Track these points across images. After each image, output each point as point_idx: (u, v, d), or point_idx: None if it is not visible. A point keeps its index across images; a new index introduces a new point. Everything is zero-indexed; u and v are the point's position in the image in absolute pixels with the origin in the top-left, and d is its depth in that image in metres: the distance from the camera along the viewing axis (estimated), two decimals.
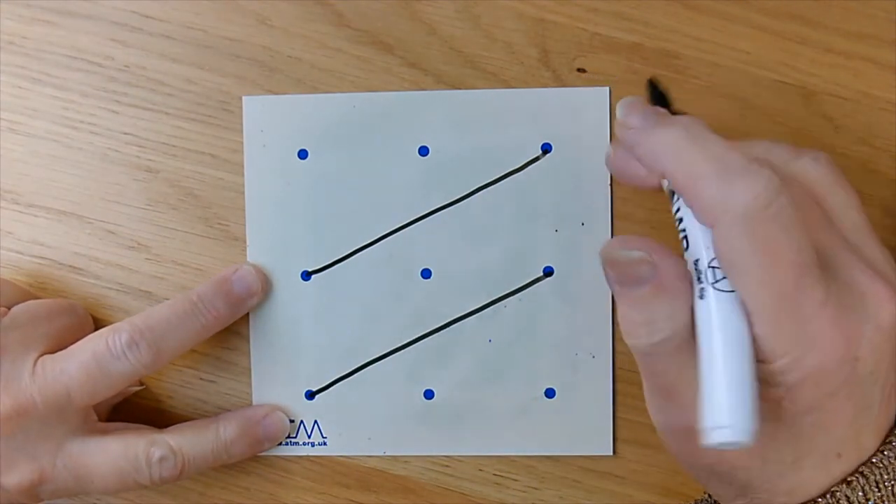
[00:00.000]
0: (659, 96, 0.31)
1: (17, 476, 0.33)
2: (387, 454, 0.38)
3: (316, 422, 0.37)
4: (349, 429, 0.38)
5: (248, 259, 0.37)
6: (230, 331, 0.37)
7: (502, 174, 0.37)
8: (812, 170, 0.29)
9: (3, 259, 0.38)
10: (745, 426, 0.25)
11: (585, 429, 0.37)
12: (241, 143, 0.37)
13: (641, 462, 0.37)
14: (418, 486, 0.38)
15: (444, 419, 0.37)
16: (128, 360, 0.33)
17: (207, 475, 0.38)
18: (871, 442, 0.28)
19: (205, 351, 0.38)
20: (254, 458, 0.38)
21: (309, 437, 0.37)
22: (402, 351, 0.37)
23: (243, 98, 0.37)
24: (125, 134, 0.37)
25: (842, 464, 0.28)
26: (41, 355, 0.34)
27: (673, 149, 0.27)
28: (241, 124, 0.37)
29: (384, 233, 0.37)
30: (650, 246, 0.28)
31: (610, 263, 0.28)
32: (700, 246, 0.27)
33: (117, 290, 0.38)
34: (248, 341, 0.38)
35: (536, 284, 0.37)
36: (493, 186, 0.37)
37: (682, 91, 0.36)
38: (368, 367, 0.37)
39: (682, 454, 0.30)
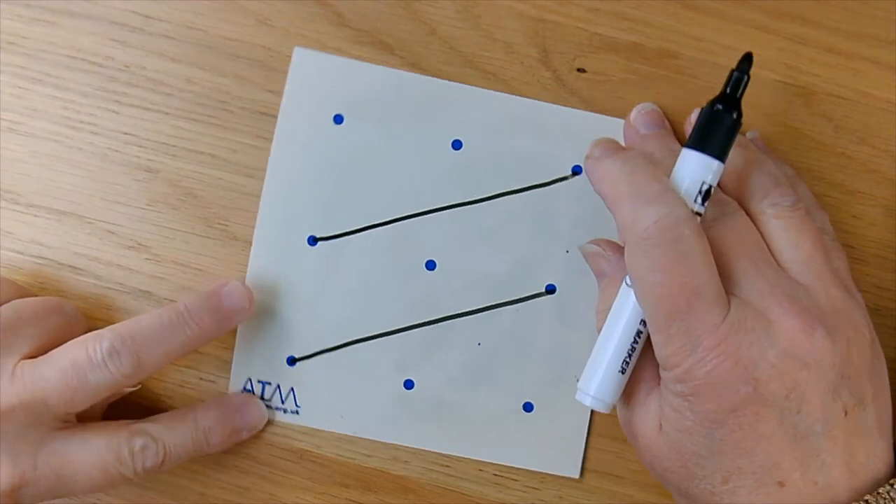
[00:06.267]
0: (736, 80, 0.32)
1: None
2: (356, 435, 0.37)
3: (292, 389, 0.37)
4: (324, 403, 0.37)
5: (259, 213, 0.37)
6: (230, 331, 0.37)
7: (528, 185, 0.37)
8: (768, 212, 0.32)
9: (3, 259, 0.38)
10: (604, 400, 0.32)
11: (557, 448, 0.37)
12: (242, 142, 0.37)
13: (641, 462, 0.37)
14: (418, 486, 0.38)
15: (420, 412, 0.37)
16: (108, 368, 0.33)
17: (207, 475, 0.38)
18: (836, 482, 0.29)
19: (205, 351, 0.38)
20: (253, 458, 0.38)
21: (283, 402, 0.37)
22: (392, 336, 0.37)
23: (295, 48, 0.36)
24: (125, 134, 0.37)
25: (787, 494, 0.29)
26: (24, 358, 0.33)
27: (609, 175, 0.32)
28: (241, 124, 0.37)
29: (399, 216, 0.37)
30: (609, 244, 0.35)
31: (584, 255, 0.35)
32: None
33: (117, 290, 0.38)
34: None
35: (537, 299, 0.37)
36: (516, 195, 0.37)
37: (682, 91, 0.36)
38: (355, 345, 0.37)
39: (643, 458, 0.33)
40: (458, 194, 0.37)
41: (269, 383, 0.37)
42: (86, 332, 0.34)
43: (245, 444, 0.38)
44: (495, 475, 0.38)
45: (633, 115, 0.36)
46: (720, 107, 0.31)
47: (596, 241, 0.35)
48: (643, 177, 0.31)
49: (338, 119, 0.37)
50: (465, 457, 0.37)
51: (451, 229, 0.37)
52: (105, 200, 0.38)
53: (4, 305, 0.34)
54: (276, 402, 0.37)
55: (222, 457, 0.38)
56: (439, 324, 0.37)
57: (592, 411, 0.37)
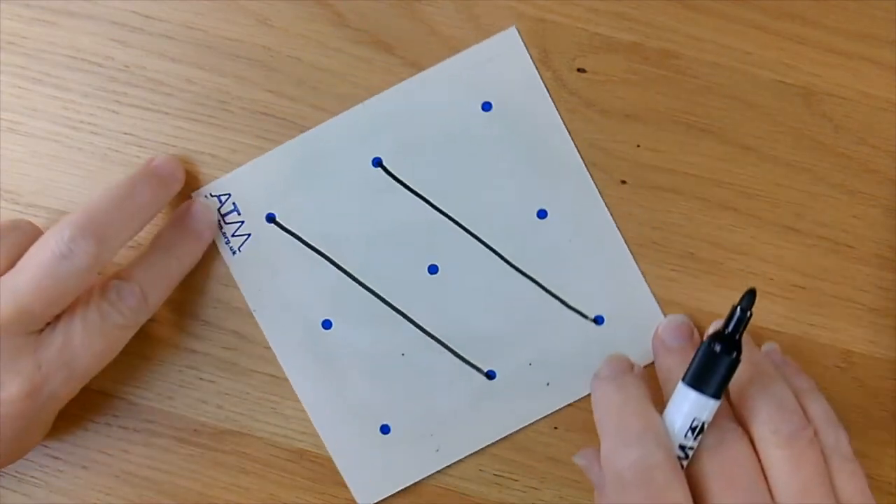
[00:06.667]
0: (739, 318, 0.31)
1: (5, 393, 0.32)
2: (254, 315, 0.37)
3: (248, 236, 0.37)
4: (257, 269, 0.37)
5: (368, 102, 0.37)
6: (230, 331, 0.37)
7: (558, 294, 0.37)
8: (768, 439, 0.31)
9: None
10: None
11: (375, 476, 0.38)
12: (242, 142, 0.37)
13: None
14: (418, 486, 0.38)
15: (316, 355, 0.37)
16: (74, 255, 0.32)
17: (207, 475, 0.38)
18: None
19: (205, 351, 0.38)
20: (253, 458, 0.38)
21: (232, 236, 0.37)
22: (352, 283, 0.37)
23: (512, 27, 0.36)
24: (125, 134, 0.37)
25: None
26: None
27: (602, 402, 0.34)
28: (241, 124, 0.37)
29: (455, 217, 0.37)
30: (595, 457, 0.34)
31: (577, 464, 0.35)
32: None
33: None
34: (250, 342, 0.37)
35: (475, 371, 0.37)
36: (543, 291, 0.37)
37: (682, 91, 0.36)
38: (323, 260, 0.37)
39: None
40: (510, 248, 0.37)
41: (239, 213, 0.37)
42: (38, 240, 0.33)
43: (245, 444, 0.38)
44: (495, 475, 0.38)
45: (661, 326, 0.36)
46: (718, 347, 0.31)
47: (584, 454, 0.35)
48: (630, 413, 0.32)
49: (486, 106, 0.36)
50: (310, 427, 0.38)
51: (478, 264, 0.37)
52: None
53: None
54: (228, 230, 0.37)
55: (222, 457, 0.38)
56: (392, 311, 0.37)
57: (414, 486, 0.38)
